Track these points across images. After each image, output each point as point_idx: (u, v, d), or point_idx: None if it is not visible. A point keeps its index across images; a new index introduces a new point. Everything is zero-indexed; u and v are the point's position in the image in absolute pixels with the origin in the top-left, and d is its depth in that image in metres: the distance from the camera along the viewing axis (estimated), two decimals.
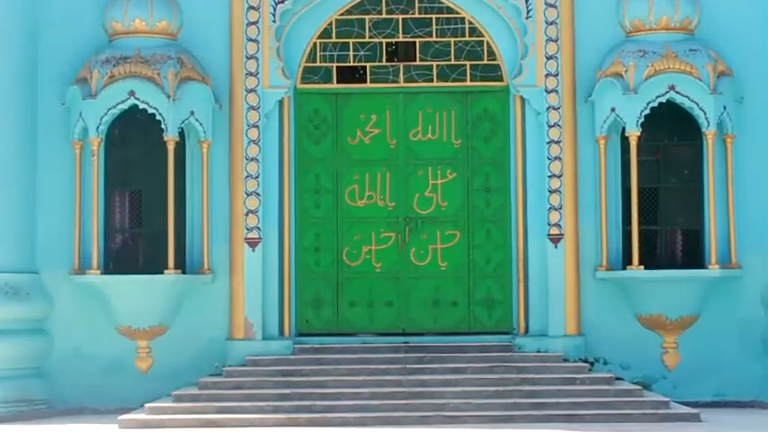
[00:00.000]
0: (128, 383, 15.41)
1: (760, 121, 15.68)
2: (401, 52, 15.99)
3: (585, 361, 15.23)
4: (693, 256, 15.66)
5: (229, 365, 15.10)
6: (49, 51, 15.65)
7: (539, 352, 15.31)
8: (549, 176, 15.59)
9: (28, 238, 15.46)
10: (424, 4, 15.97)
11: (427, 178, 15.96)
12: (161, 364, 15.48)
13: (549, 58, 15.67)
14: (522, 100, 15.78)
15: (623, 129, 15.54)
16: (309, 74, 16.03)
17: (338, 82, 15.95)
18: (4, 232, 15.07)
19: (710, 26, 15.69)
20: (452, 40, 15.99)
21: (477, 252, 15.88)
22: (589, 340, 15.50)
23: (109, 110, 15.33)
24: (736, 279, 15.57)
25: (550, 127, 15.63)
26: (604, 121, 15.57)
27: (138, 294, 15.31)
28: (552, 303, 15.48)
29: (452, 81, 15.95)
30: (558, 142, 15.62)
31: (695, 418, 13.63)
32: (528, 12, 15.64)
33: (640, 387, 14.52)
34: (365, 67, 15.97)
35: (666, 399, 14.18)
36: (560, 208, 15.56)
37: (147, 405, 14.11)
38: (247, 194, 15.56)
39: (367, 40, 16.00)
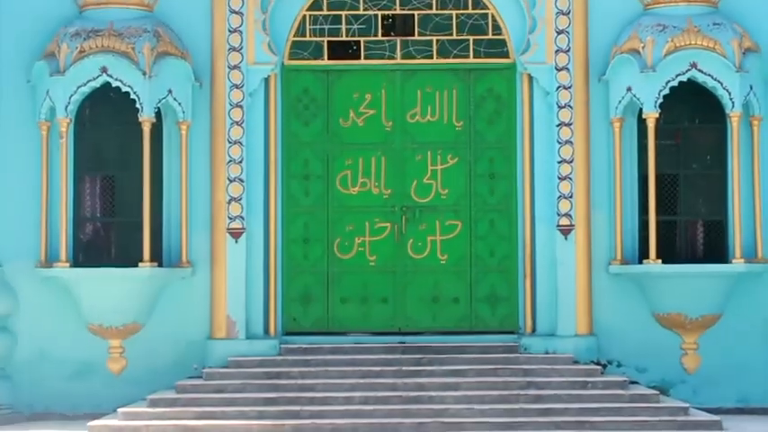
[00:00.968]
0: (99, 387, 15.37)
1: None
2: (398, 26, 15.93)
3: (597, 363, 15.17)
4: (716, 250, 15.63)
5: (210, 367, 15.07)
6: (11, 23, 15.57)
7: (547, 353, 15.29)
8: (559, 162, 15.50)
9: None
10: None
11: (426, 164, 15.87)
12: (135, 366, 15.40)
13: (559, 32, 15.59)
14: (530, 78, 15.71)
15: (640, 110, 15.45)
16: (298, 49, 15.93)
17: (329, 58, 15.90)
18: None
19: None
20: (454, 12, 15.92)
21: (479, 244, 15.80)
22: (601, 341, 15.48)
23: (79, 88, 15.21)
24: (762, 275, 15.49)
25: (561, 108, 15.54)
26: (619, 102, 15.48)
27: (110, 290, 15.21)
28: (561, 300, 15.43)
29: (454, 57, 15.89)
30: (568, 125, 15.52)
31: (717, 426, 13.62)
32: None
33: (657, 392, 14.46)
34: (359, 41, 15.92)
35: (686, 405, 14.14)
36: (571, 196, 15.50)
37: (119, 410, 14.03)
38: (230, 181, 15.49)
39: (361, 12, 15.94)
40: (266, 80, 15.61)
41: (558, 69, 15.49)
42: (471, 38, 15.81)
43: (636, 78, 15.19)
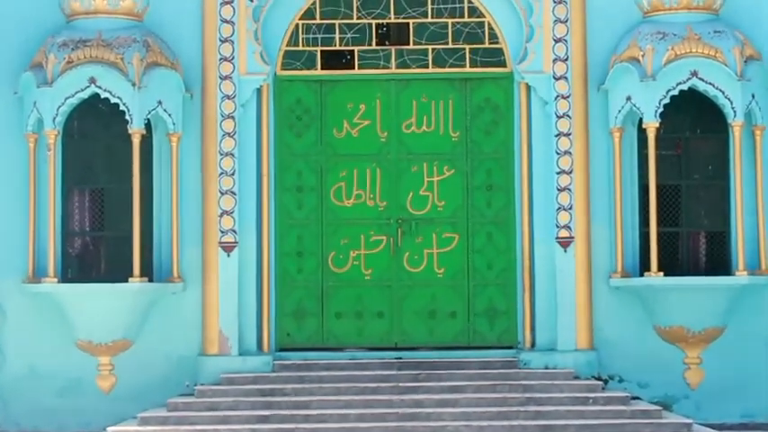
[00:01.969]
0: (88, 405, 15.32)
1: None
2: (393, 35, 15.94)
3: (598, 378, 15.20)
4: (718, 262, 15.64)
5: (202, 384, 15.03)
6: None
7: (546, 368, 15.24)
8: (558, 173, 15.49)
9: None
10: None
11: (422, 175, 15.86)
12: (125, 383, 15.38)
13: (557, 40, 15.58)
14: (528, 88, 15.71)
15: (640, 120, 15.42)
16: (291, 59, 15.91)
17: (323, 68, 15.90)
18: None
19: (737, 6, 15.62)
20: (450, 21, 15.89)
21: (477, 257, 15.79)
22: (602, 355, 15.46)
23: (67, 99, 15.20)
24: (766, 287, 15.47)
25: (559, 118, 15.53)
26: (619, 112, 15.46)
27: (99, 305, 15.16)
28: (561, 314, 15.41)
29: (450, 67, 15.87)
30: (567, 135, 15.50)
31: None
32: None
33: (660, 407, 14.43)
34: (353, 51, 15.92)
35: (689, 420, 14.09)
36: (570, 208, 15.48)
37: (109, 429, 13.93)
38: (222, 193, 15.46)
39: (355, 21, 15.92)
40: (258, 91, 15.59)
41: (557, 78, 15.46)
42: (467, 47, 15.79)
43: (635, 87, 15.16)
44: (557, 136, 15.45)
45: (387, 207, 15.79)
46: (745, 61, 15.18)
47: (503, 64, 15.80)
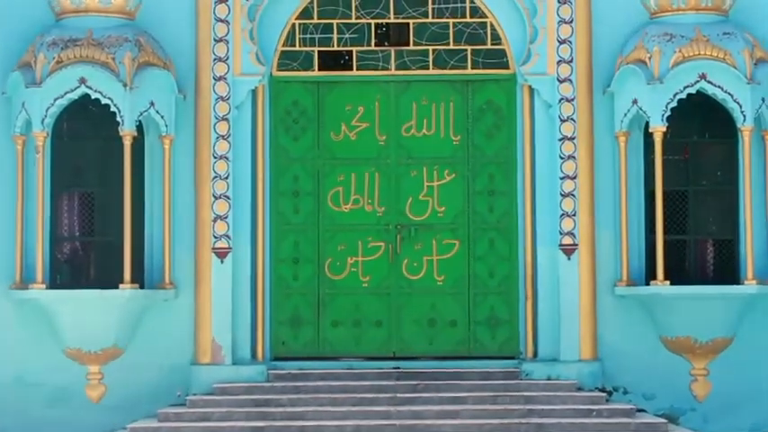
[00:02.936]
0: (77, 415, 15.34)
1: None
2: (392, 35, 15.97)
3: (602, 390, 15.20)
4: (726, 271, 15.64)
5: (194, 394, 15.06)
6: None
7: (549, 379, 15.27)
8: (562, 178, 15.52)
9: None
10: None
11: (422, 180, 15.89)
12: (115, 393, 15.40)
13: (561, 42, 15.61)
14: (531, 90, 15.74)
15: (647, 124, 15.45)
16: (287, 59, 15.94)
17: (320, 69, 15.92)
18: None
19: (747, 6, 15.65)
20: (451, 21, 15.93)
21: (478, 264, 15.82)
22: (606, 366, 15.47)
23: (56, 100, 15.21)
24: None
25: (563, 121, 15.55)
26: (625, 115, 15.49)
27: (88, 312, 15.16)
28: (565, 324, 15.42)
29: (451, 68, 15.91)
30: (571, 139, 15.53)
31: None
32: None
33: (666, 420, 14.44)
34: (351, 51, 15.94)
35: None
36: (574, 214, 15.50)
37: None
38: (215, 198, 15.48)
39: (353, 21, 15.96)
40: (254, 92, 15.62)
41: (561, 81, 15.49)
42: (469, 48, 15.83)
43: (642, 90, 15.20)
44: (561, 140, 15.48)
45: (385, 212, 15.82)
46: (755, 64, 15.20)
47: (505, 66, 15.85)
